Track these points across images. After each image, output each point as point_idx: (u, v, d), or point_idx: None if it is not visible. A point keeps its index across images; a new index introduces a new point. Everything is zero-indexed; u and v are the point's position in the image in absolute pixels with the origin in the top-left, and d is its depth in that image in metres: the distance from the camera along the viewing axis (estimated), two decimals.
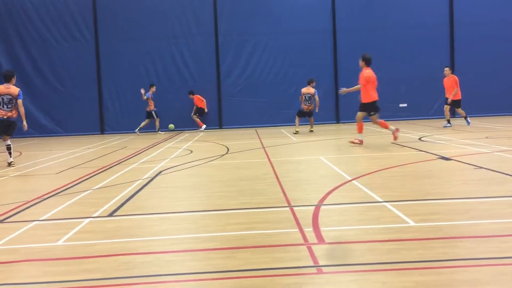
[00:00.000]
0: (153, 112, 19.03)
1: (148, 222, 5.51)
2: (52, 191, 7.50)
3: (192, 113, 19.90)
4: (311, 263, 3.86)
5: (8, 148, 10.88)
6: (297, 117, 16.61)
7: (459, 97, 16.28)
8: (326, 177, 7.83)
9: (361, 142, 11.65)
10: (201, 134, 18.08)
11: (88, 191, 7.41)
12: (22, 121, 10.88)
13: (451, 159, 8.94)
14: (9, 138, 10.88)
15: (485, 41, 20.01)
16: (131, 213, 5.86)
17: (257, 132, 17.61)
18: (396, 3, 20.32)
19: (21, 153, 13.65)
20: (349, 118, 20.33)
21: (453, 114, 18.61)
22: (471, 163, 8.36)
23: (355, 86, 12.02)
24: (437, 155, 9.57)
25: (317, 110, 16.62)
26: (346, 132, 15.97)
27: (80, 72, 20.41)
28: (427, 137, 13.08)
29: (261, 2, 20.55)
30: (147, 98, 18.82)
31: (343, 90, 12.44)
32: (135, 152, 12.60)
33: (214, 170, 9.14)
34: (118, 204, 6.34)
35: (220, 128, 20.60)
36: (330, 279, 3.54)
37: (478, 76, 19.80)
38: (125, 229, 5.18)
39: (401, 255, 3.94)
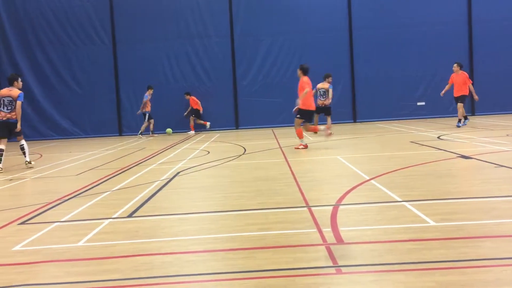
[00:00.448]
0: (147, 114, 18.96)
1: (167, 222, 5.54)
2: (73, 193, 7.59)
3: (185, 113, 19.94)
4: (330, 264, 3.85)
5: (22, 149, 11.09)
6: (315, 115, 16.41)
7: (466, 92, 15.51)
8: (343, 176, 7.79)
9: (305, 147, 11.71)
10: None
11: (108, 192, 7.49)
12: (20, 123, 11.03)
13: (471, 158, 8.83)
14: (22, 138, 11.09)
15: (504, 39, 19.74)
16: (151, 214, 5.90)
17: (273, 132, 17.60)
18: (413, 1, 20.12)
19: (41, 156, 13.83)
20: (366, 117, 20.27)
21: (470, 111, 18.18)
22: (492, 162, 8.22)
23: (304, 92, 11.67)
24: (456, 153, 9.45)
25: (328, 102, 15.82)
26: (363, 131, 15.84)
27: (98, 74, 20.65)
28: (446, 136, 12.93)
29: (277, 1, 20.53)
30: (145, 100, 18.83)
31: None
32: (153, 153, 12.68)
33: (232, 171, 9.16)
34: (138, 205, 6.38)
35: (237, 128, 20.65)
36: (351, 279, 3.52)
37: (497, 73, 19.58)
38: (145, 230, 5.21)
39: (422, 255, 3.89)
